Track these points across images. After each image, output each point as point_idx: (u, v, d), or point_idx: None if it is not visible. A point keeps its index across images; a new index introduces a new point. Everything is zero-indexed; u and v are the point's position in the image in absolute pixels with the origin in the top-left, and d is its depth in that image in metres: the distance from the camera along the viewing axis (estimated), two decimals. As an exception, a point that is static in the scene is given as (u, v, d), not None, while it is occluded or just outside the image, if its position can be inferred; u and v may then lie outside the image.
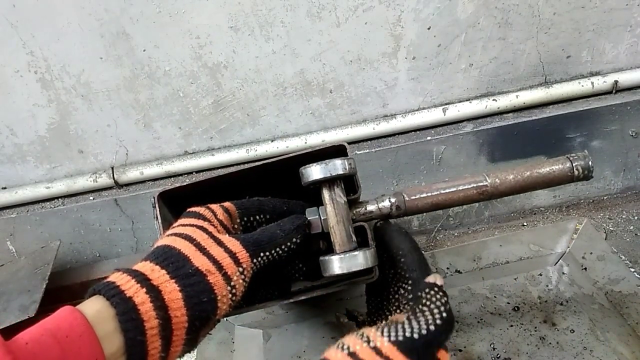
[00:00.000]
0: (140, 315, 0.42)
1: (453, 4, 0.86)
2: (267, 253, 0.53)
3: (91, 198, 1.00)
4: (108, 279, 0.44)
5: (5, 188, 1.01)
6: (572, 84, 0.95)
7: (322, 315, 0.84)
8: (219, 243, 0.50)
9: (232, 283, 0.48)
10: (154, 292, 0.43)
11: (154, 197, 0.61)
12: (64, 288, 0.94)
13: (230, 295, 0.48)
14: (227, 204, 0.58)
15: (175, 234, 0.51)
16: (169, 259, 0.47)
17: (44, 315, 0.41)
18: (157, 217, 0.61)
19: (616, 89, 0.95)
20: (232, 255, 0.49)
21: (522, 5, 0.87)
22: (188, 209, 0.56)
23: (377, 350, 0.40)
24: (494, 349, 0.73)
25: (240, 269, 0.49)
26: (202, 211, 0.55)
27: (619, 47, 0.94)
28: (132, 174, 0.98)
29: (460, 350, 0.73)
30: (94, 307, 0.42)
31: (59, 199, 1.01)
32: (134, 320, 0.41)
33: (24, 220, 1.00)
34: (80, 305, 0.42)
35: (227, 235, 0.53)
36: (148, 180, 1.01)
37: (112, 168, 0.99)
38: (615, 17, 0.90)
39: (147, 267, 0.46)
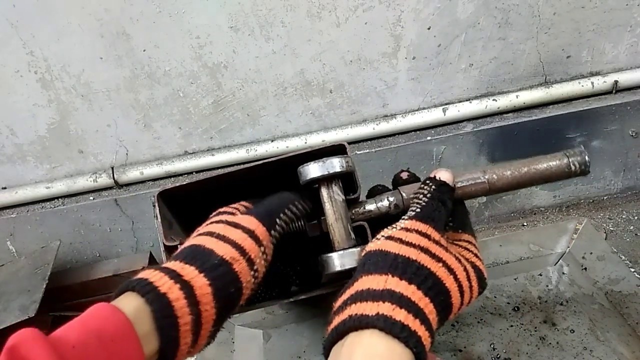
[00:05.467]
0: (174, 312, 0.42)
1: (453, 4, 0.86)
2: (282, 217, 0.53)
3: (91, 198, 1.00)
4: (139, 276, 0.44)
5: (5, 188, 1.01)
6: (572, 84, 0.96)
7: (322, 315, 0.84)
8: (236, 225, 0.50)
9: (255, 266, 0.49)
10: (187, 288, 0.43)
11: (154, 196, 0.61)
12: (64, 288, 0.94)
13: (252, 280, 0.49)
14: (245, 203, 0.59)
15: (199, 234, 0.51)
16: (195, 256, 0.47)
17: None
18: (157, 217, 0.61)
19: (616, 89, 0.95)
20: (251, 234, 0.50)
21: (522, 5, 0.87)
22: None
23: (405, 228, 0.47)
24: (494, 349, 0.73)
25: (262, 249, 0.50)
26: (224, 208, 0.56)
27: (619, 47, 0.94)
28: (132, 174, 0.98)
29: (460, 351, 0.73)
30: (132, 305, 0.41)
31: (59, 199, 1.01)
32: (169, 318, 0.41)
33: (24, 220, 1.00)
34: (116, 302, 0.41)
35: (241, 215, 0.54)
36: (148, 180, 1.01)
37: (112, 168, 0.99)
38: (615, 17, 0.90)
39: (177, 265, 0.46)
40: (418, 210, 0.50)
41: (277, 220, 0.53)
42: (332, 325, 0.41)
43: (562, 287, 0.81)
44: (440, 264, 0.45)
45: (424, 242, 0.46)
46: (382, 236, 0.47)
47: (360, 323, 0.38)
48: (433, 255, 0.45)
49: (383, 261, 0.44)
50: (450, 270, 0.45)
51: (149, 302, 0.41)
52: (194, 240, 0.50)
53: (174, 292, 0.42)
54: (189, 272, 0.45)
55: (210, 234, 0.50)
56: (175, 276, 0.44)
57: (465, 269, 0.48)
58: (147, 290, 0.42)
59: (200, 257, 0.47)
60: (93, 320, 0.39)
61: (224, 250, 0.47)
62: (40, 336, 0.35)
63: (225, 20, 0.85)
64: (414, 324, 0.39)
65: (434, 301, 0.42)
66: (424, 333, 0.39)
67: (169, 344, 0.41)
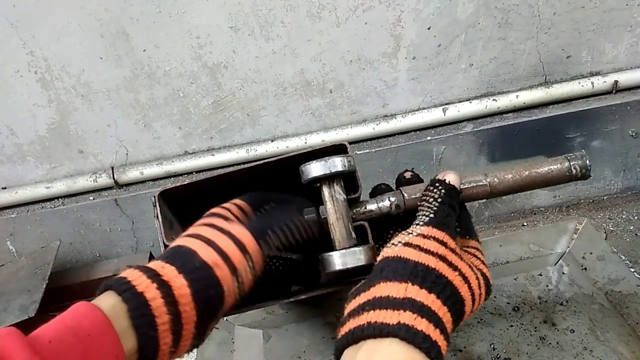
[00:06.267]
0: (151, 311, 0.42)
1: (453, 4, 0.86)
2: (277, 231, 0.53)
3: (91, 198, 1.00)
4: (120, 275, 0.44)
5: (5, 188, 1.01)
6: (572, 84, 0.96)
7: (322, 315, 0.84)
8: (226, 233, 0.50)
9: (239, 274, 0.49)
10: (165, 288, 0.43)
11: (154, 196, 0.61)
12: (64, 288, 0.94)
13: (237, 288, 0.49)
14: (237, 200, 0.58)
15: (187, 235, 0.51)
16: (177, 256, 0.47)
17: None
18: (157, 217, 0.61)
19: (616, 89, 0.95)
20: (238, 242, 0.50)
21: (522, 5, 0.87)
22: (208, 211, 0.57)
23: (422, 235, 0.47)
24: (494, 349, 0.73)
25: (247, 256, 0.50)
26: (217, 210, 0.56)
27: (619, 47, 0.94)
28: (132, 174, 0.98)
29: (460, 351, 0.73)
30: (109, 302, 0.41)
31: (59, 199, 1.01)
32: (146, 316, 0.41)
33: (24, 220, 1.00)
34: (95, 301, 0.42)
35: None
36: (148, 180, 1.01)
37: (112, 168, 0.99)
38: (615, 17, 0.90)
39: (158, 265, 0.46)
40: (432, 215, 0.49)
41: (270, 232, 0.52)
42: (347, 329, 0.40)
43: (562, 287, 0.81)
44: (457, 273, 0.45)
45: (441, 249, 0.46)
46: (400, 242, 0.47)
47: (380, 331, 0.38)
48: (450, 264, 0.45)
49: (402, 268, 0.44)
50: (465, 279, 0.46)
51: (125, 300, 0.41)
52: (181, 240, 0.50)
53: (151, 292, 0.42)
54: (169, 271, 0.45)
55: (198, 236, 0.50)
56: (153, 275, 0.44)
57: (477, 278, 0.48)
58: (124, 289, 0.42)
59: (181, 258, 0.47)
60: (70, 317, 0.39)
61: (206, 254, 0.47)
62: (16, 332, 0.35)
63: (225, 20, 0.85)
64: (435, 334, 0.39)
65: (450, 310, 0.42)
66: (442, 343, 0.39)
67: (148, 342, 0.41)
